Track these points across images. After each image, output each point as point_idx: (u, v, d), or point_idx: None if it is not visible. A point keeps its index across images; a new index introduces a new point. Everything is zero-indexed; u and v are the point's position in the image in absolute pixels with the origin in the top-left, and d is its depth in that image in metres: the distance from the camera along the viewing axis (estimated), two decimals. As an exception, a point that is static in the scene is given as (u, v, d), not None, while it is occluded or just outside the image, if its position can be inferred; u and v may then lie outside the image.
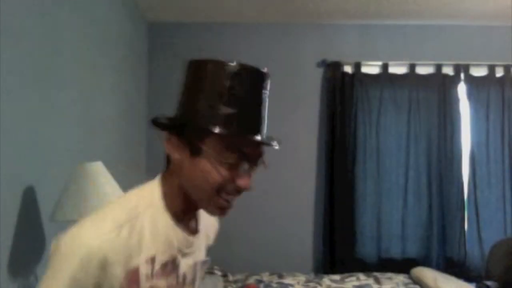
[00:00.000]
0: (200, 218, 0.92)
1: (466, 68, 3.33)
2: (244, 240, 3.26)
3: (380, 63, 3.34)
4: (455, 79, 3.33)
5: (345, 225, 3.23)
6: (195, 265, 0.89)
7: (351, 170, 3.28)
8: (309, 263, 3.34)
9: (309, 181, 3.38)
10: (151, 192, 0.82)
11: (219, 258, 2.41)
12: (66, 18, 1.93)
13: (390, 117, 3.33)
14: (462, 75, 3.33)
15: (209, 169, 0.76)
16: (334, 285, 2.84)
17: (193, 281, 0.90)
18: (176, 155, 0.80)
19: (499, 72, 3.34)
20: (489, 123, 3.30)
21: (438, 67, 3.33)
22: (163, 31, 3.38)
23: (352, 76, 3.33)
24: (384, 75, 3.33)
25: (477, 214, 3.24)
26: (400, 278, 2.91)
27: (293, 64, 3.42)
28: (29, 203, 1.57)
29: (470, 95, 3.33)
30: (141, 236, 0.78)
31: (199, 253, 0.92)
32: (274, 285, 2.81)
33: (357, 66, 3.33)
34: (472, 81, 3.33)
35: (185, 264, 0.85)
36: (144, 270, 0.77)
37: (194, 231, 0.88)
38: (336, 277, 2.96)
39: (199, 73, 0.79)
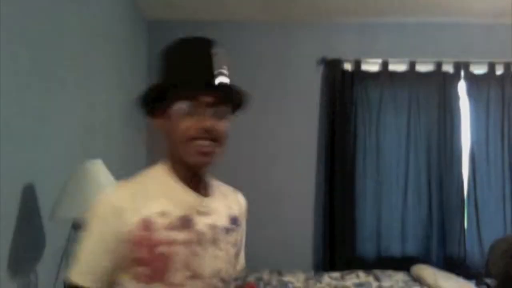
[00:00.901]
0: (217, 190, 1.05)
1: (466, 65, 3.32)
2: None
3: (380, 60, 3.34)
4: (455, 77, 3.32)
5: (345, 223, 3.23)
6: (214, 227, 0.98)
7: (351, 168, 3.28)
8: (309, 261, 3.34)
9: (309, 179, 3.38)
10: (156, 166, 1.01)
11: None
12: (66, 17, 1.93)
13: (390, 115, 3.32)
14: (462, 73, 3.32)
15: (177, 123, 0.92)
16: (334, 282, 2.85)
17: (214, 241, 0.97)
18: (159, 126, 0.98)
19: (499, 70, 3.33)
20: (489, 121, 3.29)
21: (438, 64, 3.33)
22: (163, 29, 3.37)
23: (352, 74, 3.32)
24: (384, 73, 3.33)
25: (476, 213, 3.24)
26: (400, 275, 2.92)
27: (292, 63, 3.41)
28: (29, 201, 1.57)
29: (470, 93, 3.32)
30: (147, 195, 0.93)
31: (219, 218, 1.01)
32: (274, 282, 2.82)
33: (357, 64, 3.33)
34: (472, 79, 3.32)
35: (201, 222, 0.96)
36: (157, 221, 0.90)
37: (205, 194, 1.00)
38: (336, 274, 2.97)
39: (162, 58, 1.01)
